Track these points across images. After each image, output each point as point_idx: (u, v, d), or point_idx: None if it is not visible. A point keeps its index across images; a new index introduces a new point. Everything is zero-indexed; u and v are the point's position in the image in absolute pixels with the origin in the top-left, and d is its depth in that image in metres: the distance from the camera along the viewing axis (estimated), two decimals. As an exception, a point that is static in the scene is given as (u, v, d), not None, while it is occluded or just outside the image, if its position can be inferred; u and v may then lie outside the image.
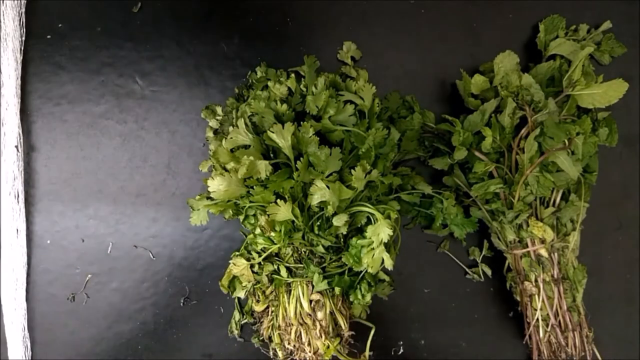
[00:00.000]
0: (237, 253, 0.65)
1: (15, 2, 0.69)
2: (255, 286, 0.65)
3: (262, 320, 0.66)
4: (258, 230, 0.63)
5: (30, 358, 0.68)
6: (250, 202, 0.61)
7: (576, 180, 0.64)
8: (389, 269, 0.59)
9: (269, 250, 0.62)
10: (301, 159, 0.59)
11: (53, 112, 0.70)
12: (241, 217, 0.65)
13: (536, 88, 0.64)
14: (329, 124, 0.62)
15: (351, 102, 0.64)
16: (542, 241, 0.64)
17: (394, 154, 0.65)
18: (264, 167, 0.58)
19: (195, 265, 0.70)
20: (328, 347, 0.61)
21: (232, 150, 0.62)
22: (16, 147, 0.68)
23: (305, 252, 0.62)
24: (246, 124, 0.61)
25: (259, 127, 0.63)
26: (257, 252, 0.63)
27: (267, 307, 0.66)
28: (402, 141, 0.68)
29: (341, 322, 0.63)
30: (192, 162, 0.71)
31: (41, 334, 0.69)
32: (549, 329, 0.64)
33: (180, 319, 0.70)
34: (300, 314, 0.62)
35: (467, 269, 0.72)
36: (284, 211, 0.59)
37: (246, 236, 0.66)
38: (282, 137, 0.59)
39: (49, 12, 0.71)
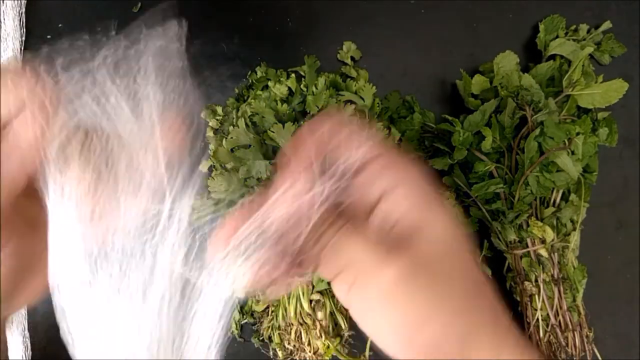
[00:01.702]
0: (237, 253, 0.65)
1: (15, 2, 0.69)
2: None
3: (262, 320, 0.66)
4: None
5: (30, 358, 0.68)
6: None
7: (576, 180, 0.64)
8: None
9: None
10: (301, 159, 0.59)
11: (53, 112, 0.70)
12: (241, 217, 0.65)
13: (536, 88, 0.64)
14: (329, 124, 0.62)
15: (351, 102, 0.64)
16: (542, 241, 0.64)
17: (394, 154, 0.65)
18: (264, 167, 0.59)
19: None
20: (328, 347, 0.61)
21: (232, 150, 0.62)
22: (16, 147, 0.68)
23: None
24: (246, 124, 0.61)
25: (260, 127, 0.63)
26: (257, 252, 0.63)
27: (267, 307, 0.66)
28: (402, 141, 0.68)
29: (341, 322, 0.63)
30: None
31: (41, 334, 0.69)
32: (549, 329, 0.64)
33: (181, 319, 0.70)
34: (300, 314, 0.62)
35: (467, 269, 0.71)
36: (284, 211, 0.58)
37: (246, 236, 0.66)
38: (282, 137, 0.59)
39: (49, 12, 0.71)
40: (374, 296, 0.29)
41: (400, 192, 0.31)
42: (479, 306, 0.30)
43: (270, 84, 0.66)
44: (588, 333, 0.65)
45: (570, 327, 0.64)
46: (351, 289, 0.30)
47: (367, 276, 0.29)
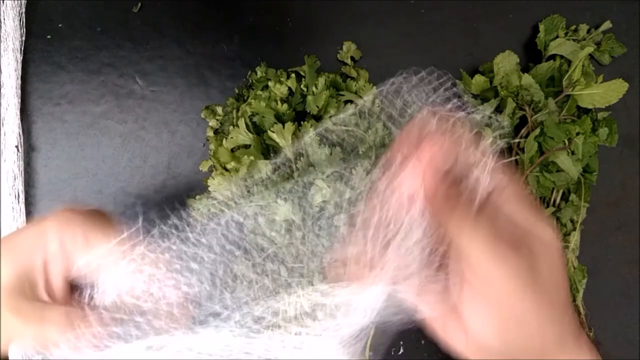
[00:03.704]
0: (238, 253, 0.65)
1: (15, 2, 0.69)
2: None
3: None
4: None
5: (30, 358, 0.68)
6: (251, 201, 0.61)
7: (576, 180, 0.64)
8: (389, 269, 0.59)
9: (270, 250, 0.62)
10: (301, 158, 0.59)
11: (53, 112, 0.70)
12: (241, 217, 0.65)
13: (536, 88, 0.64)
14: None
15: (351, 102, 0.64)
16: (542, 241, 0.64)
17: (394, 154, 0.65)
18: (264, 167, 0.58)
19: (195, 265, 0.70)
20: (328, 347, 0.61)
21: (232, 150, 0.62)
22: (16, 147, 0.68)
23: (305, 252, 0.62)
24: (246, 124, 0.61)
25: (260, 127, 0.63)
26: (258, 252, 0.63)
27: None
28: (402, 141, 0.68)
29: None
30: (192, 162, 0.71)
31: (41, 334, 0.69)
32: (549, 329, 0.64)
33: (181, 319, 0.70)
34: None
35: (467, 269, 0.72)
36: (284, 211, 0.59)
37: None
38: (282, 137, 0.59)
39: (49, 12, 0.71)
40: (488, 289, 0.31)
41: (511, 191, 0.33)
42: (569, 314, 0.33)
43: (270, 84, 0.66)
44: (588, 333, 0.65)
45: (570, 327, 0.64)
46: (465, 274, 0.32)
47: (485, 270, 0.30)
